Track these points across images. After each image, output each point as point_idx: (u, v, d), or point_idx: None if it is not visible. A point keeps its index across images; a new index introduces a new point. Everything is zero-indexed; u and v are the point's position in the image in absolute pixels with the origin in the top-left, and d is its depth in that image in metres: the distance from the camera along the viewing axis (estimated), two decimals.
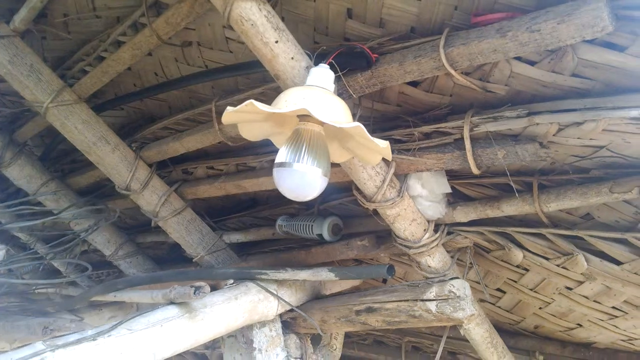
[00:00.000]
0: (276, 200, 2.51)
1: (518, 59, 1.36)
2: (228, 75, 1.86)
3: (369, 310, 1.95)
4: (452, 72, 1.33)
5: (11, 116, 2.95)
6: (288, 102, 1.32)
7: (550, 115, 1.33)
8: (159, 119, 2.38)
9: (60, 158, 3.08)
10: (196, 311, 1.88)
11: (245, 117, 1.43)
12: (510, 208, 1.67)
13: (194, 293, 1.71)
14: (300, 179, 1.36)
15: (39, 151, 3.11)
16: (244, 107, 1.27)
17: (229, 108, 1.30)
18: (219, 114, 1.99)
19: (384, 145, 1.30)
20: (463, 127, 1.50)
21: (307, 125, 1.39)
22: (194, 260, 2.61)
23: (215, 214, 2.76)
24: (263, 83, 1.87)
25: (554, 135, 1.40)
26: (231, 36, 1.79)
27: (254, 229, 2.54)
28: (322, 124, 1.40)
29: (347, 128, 1.28)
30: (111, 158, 2.31)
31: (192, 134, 2.14)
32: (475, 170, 1.54)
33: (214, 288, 2.14)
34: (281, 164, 1.37)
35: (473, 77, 1.45)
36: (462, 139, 1.52)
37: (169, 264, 3.18)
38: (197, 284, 1.73)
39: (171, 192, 2.47)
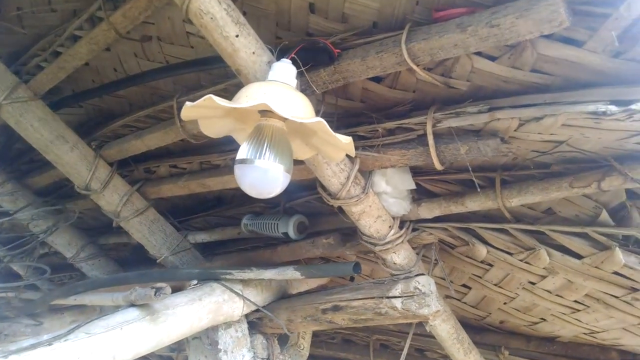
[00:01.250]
0: (241, 198, 2.48)
1: (479, 54, 1.36)
2: (189, 71, 1.82)
3: (335, 308, 1.93)
4: (414, 67, 1.32)
5: None
6: (249, 97, 1.29)
7: (511, 110, 1.34)
8: (119, 116, 2.31)
9: (17, 157, 2.97)
10: (158, 313, 1.83)
11: (205, 113, 1.39)
12: (474, 204, 1.67)
13: (155, 294, 1.67)
14: (262, 175, 1.34)
15: None
16: (202, 102, 1.24)
17: (187, 103, 1.27)
18: (181, 110, 1.94)
19: (346, 141, 1.28)
20: (426, 123, 1.50)
21: (269, 121, 1.36)
22: (158, 261, 2.55)
23: (180, 213, 2.70)
24: (225, 79, 1.84)
25: (515, 130, 1.41)
26: (191, 31, 1.75)
27: (219, 229, 2.49)
28: (284, 119, 1.38)
29: (309, 123, 1.26)
30: (69, 157, 2.23)
31: (153, 131, 2.09)
32: (438, 166, 1.54)
33: (179, 289, 2.10)
34: (242, 161, 1.34)
35: (435, 73, 1.45)
36: (425, 135, 1.52)
37: (133, 265, 3.10)
38: (158, 285, 1.69)
39: (133, 191, 2.40)
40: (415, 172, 1.79)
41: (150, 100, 2.17)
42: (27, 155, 2.94)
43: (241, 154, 1.36)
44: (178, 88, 2.02)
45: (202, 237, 2.55)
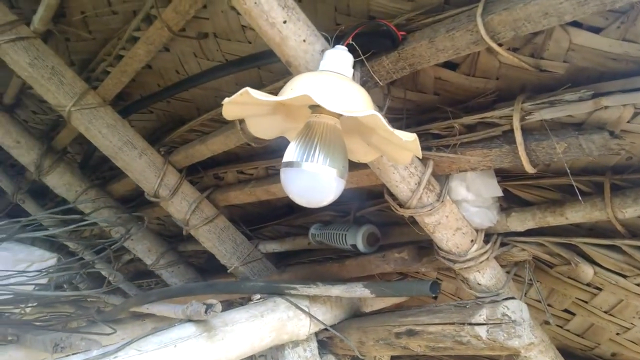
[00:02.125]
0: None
1: (577, 25, 1.08)
2: (245, 67, 1.67)
3: (410, 333, 1.69)
4: (494, 46, 1.07)
5: (51, 123, 2.93)
6: (294, 89, 1.11)
7: (623, 95, 1.04)
8: (188, 121, 2.23)
9: (99, 165, 3.03)
10: (215, 330, 1.69)
11: (249, 111, 1.24)
12: (576, 214, 1.36)
13: (205, 311, 1.53)
14: (311, 181, 1.15)
15: (79, 158, 3.08)
16: (238, 97, 1.08)
17: (225, 100, 1.11)
18: None
19: (408, 138, 1.05)
20: (512, 116, 1.23)
21: (320, 118, 1.18)
22: (228, 271, 2.45)
23: (252, 221, 2.59)
24: (287, 75, 1.67)
25: (628, 121, 1.10)
26: (247, 24, 1.61)
27: (290, 238, 2.34)
28: (337, 116, 1.18)
29: (362, 119, 1.06)
30: (138, 163, 2.19)
31: (216, 135, 1.97)
32: (529, 169, 1.26)
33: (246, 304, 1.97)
34: (289, 164, 1.17)
35: (523, 53, 1.18)
36: (511, 130, 1.25)
37: (210, 273, 3.05)
38: (209, 301, 1.55)
39: (202, 198, 2.32)
40: (503, 176, 1.52)
41: (215, 102, 2.07)
42: (108, 163, 2.98)
43: (288, 155, 1.18)
44: (239, 89, 1.88)
45: (273, 247, 2.41)
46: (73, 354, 1.47)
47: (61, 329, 2.21)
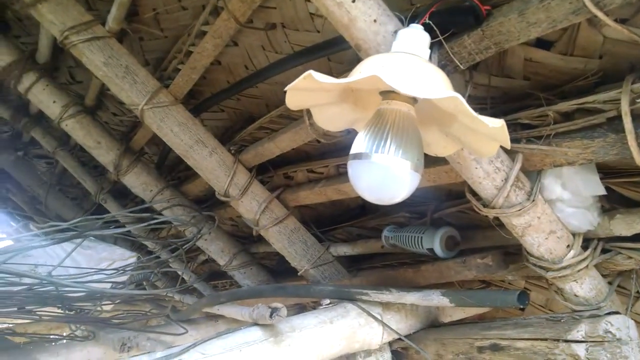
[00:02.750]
0: (386, 207, 2.17)
1: None
2: (314, 57, 1.58)
3: (495, 348, 1.52)
4: (599, 14, 0.90)
5: (130, 125, 3.00)
6: (362, 72, 1.00)
7: None
8: (257, 118, 2.18)
9: (175, 166, 3.05)
10: (282, 335, 1.61)
11: (313, 99, 1.14)
12: None
13: (270, 316, 1.45)
14: (382, 174, 1.03)
15: (156, 159, 3.13)
16: (301, 81, 0.98)
17: (287, 87, 1.02)
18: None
19: (495, 124, 0.91)
20: (620, 99, 1.04)
21: (392, 105, 1.06)
22: (299, 274, 2.37)
23: (325, 222, 2.49)
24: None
25: None
26: (315, 11, 1.52)
27: (362, 241, 2.22)
28: (412, 102, 1.06)
29: (438, 101, 0.93)
30: (208, 162, 2.16)
31: (284, 132, 1.90)
32: (639, 161, 1.07)
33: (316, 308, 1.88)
34: (357, 156, 1.06)
35: (633, 25, 1.00)
36: (618, 117, 1.07)
37: (282, 275, 2.99)
38: (274, 305, 1.47)
39: (272, 198, 2.26)
40: (605, 172, 1.32)
41: (283, 97, 1.99)
42: (183, 164, 3.01)
43: (356, 147, 1.07)
44: None
45: (344, 250, 2.30)
46: (139, 354, 1.43)
47: (135, 328, 2.22)
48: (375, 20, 1.11)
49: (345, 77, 1.49)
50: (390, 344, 1.91)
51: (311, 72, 0.94)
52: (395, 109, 1.05)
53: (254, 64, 1.88)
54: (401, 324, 1.85)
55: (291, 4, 1.53)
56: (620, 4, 0.88)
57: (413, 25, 1.08)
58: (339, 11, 1.11)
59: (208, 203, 2.99)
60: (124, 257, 3.92)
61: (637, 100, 1.02)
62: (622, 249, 1.36)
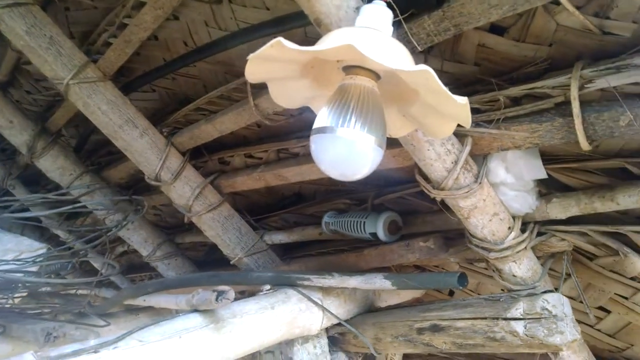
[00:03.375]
0: (324, 194, 2.17)
1: None
2: (262, 34, 1.53)
3: (435, 328, 1.56)
4: None
5: (45, 104, 2.78)
6: (333, 42, 0.98)
7: None
8: (193, 100, 2.09)
9: (96, 150, 2.87)
10: (223, 321, 1.56)
11: (275, 71, 1.10)
12: (630, 199, 1.24)
13: (216, 299, 1.39)
14: (347, 148, 1.02)
15: (74, 142, 2.93)
16: (268, 48, 0.93)
17: (250, 55, 0.97)
18: (255, 87, 1.67)
19: (462, 101, 0.93)
20: (569, 85, 1.10)
21: (356, 80, 1.04)
22: (231, 262, 2.31)
23: (258, 211, 2.44)
24: (305, 44, 1.54)
25: None
26: None
27: (299, 229, 2.20)
28: (375, 78, 1.06)
29: (410, 73, 0.92)
30: (139, 143, 2.05)
31: (225, 113, 1.83)
32: (585, 145, 1.13)
33: (250, 295, 1.83)
34: (320, 129, 1.03)
35: (586, 13, 1.05)
36: (566, 102, 1.13)
37: (209, 266, 2.90)
38: (220, 288, 1.41)
39: (206, 184, 2.18)
40: (543, 158, 1.39)
41: (225, 80, 1.93)
42: (105, 148, 2.84)
43: (319, 121, 1.05)
44: None
45: (279, 238, 2.27)
46: (71, 344, 1.32)
47: (56, 320, 2.05)
48: None
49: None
50: (327, 329, 1.92)
51: (280, 39, 0.91)
52: (359, 84, 1.04)
53: (194, 40, 1.80)
54: (340, 309, 1.86)
55: None
56: None
57: (376, 1, 1.08)
58: None
59: (130, 190, 2.85)
60: (32, 248, 3.63)
61: (586, 86, 1.08)
62: (556, 232, 1.45)
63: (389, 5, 1.10)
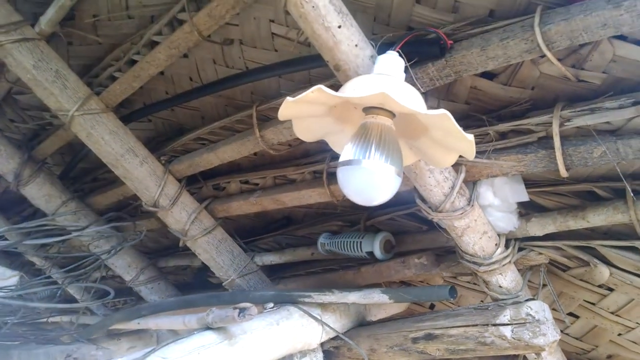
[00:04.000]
0: (313, 217, 2.32)
1: (623, 39, 1.18)
2: (272, 75, 1.69)
3: (429, 337, 1.73)
4: (549, 54, 1.15)
5: (31, 132, 2.81)
6: (357, 90, 1.15)
7: None
8: (189, 130, 2.21)
9: (81, 177, 2.92)
10: (235, 337, 1.67)
11: (304, 111, 1.25)
12: (598, 218, 1.46)
13: (239, 315, 1.51)
14: (370, 178, 1.18)
15: (59, 170, 2.96)
16: (309, 94, 1.09)
17: (288, 98, 1.12)
18: (260, 119, 1.82)
19: (470, 138, 1.11)
20: (550, 123, 1.31)
21: (377, 119, 1.21)
22: (224, 284, 2.41)
23: (246, 234, 2.56)
24: (308, 85, 1.71)
25: None
26: (278, 32, 1.64)
27: (290, 250, 2.34)
28: (392, 117, 1.23)
29: (431, 116, 1.10)
30: (139, 172, 2.14)
31: (228, 143, 1.97)
32: (563, 173, 1.34)
33: None
34: (347, 162, 1.19)
35: (565, 64, 1.27)
36: (547, 137, 1.34)
37: (192, 290, 2.97)
38: (242, 305, 1.53)
39: (201, 209, 2.29)
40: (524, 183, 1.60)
41: (225, 112, 2.06)
42: (90, 175, 2.89)
43: (346, 154, 1.21)
44: (256, 97, 1.91)
45: (270, 259, 2.40)
46: None
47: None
48: (356, 45, 1.27)
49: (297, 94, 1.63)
50: (322, 344, 2.05)
51: (321, 86, 1.07)
52: (379, 123, 1.21)
53: (201, 77, 1.94)
54: (336, 324, 2.00)
55: (255, 23, 1.63)
56: (565, 49, 1.14)
57: (390, 51, 1.26)
58: (325, 34, 1.24)
59: (116, 214, 2.90)
60: (3, 277, 3.58)
61: (565, 124, 1.29)
62: (534, 247, 1.66)
63: (399, 55, 1.29)
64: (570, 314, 1.89)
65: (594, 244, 1.55)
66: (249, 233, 2.60)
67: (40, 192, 2.67)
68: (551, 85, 1.35)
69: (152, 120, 2.34)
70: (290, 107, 1.19)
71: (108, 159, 2.11)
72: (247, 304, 1.54)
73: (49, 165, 2.94)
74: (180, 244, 2.35)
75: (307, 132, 1.35)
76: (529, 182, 1.62)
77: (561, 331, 1.94)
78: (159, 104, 2.09)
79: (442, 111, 1.06)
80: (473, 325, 1.63)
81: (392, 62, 1.23)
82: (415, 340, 1.78)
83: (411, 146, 1.33)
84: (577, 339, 1.98)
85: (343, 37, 1.25)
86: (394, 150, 1.21)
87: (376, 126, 1.21)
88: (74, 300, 3.48)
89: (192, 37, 1.65)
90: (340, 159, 1.21)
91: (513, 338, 1.54)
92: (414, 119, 1.22)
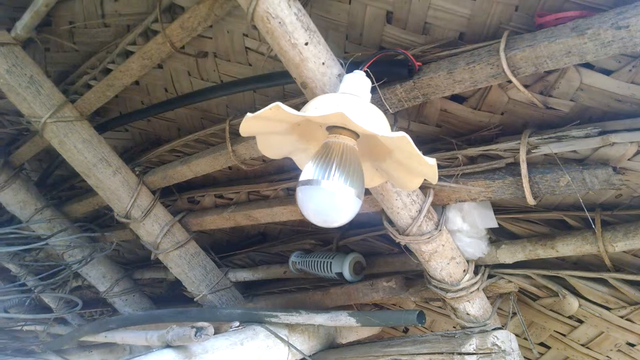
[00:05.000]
0: (288, 234, 2.29)
1: (589, 67, 1.17)
2: (245, 89, 1.67)
3: None
4: (514, 80, 1.13)
5: (8, 137, 2.78)
6: (318, 108, 1.13)
7: (630, 134, 1.13)
8: (166, 141, 2.18)
9: (58, 184, 2.88)
10: (196, 357, 1.62)
11: (266, 128, 1.23)
12: (567, 247, 1.43)
13: (195, 335, 1.46)
14: (329, 199, 1.15)
15: (36, 176, 2.92)
16: (267, 111, 1.07)
17: (248, 114, 1.10)
18: (233, 134, 1.80)
19: (432, 162, 1.09)
20: (518, 149, 1.29)
21: (339, 139, 1.19)
22: (195, 299, 2.36)
23: (221, 249, 2.53)
24: (283, 100, 1.68)
25: (629, 159, 1.19)
26: (251, 46, 1.62)
27: (264, 267, 2.30)
28: (355, 138, 1.20)
29: (390, 138, 1.08)
30: (112, 182, 2.11)
31: (201, 156, 1.94)
32: (530, 201, 1.32)
33: (217, 331, 1.90)
34: (307, 182, 1.16)
35: (533, 91, 1.25)
36: (515, 163, 1.31)
37: (167, 303, 2.93)
38: (199, 324, 1.49)
39: (175, 222, 2.25)
40: (493, 209, 1.57)
41: (201, 124, 2.04)
42: (68, 182, 2.85)
43: (306, 174, 1.18)
44: (231, 111, 1.88)
45: (244, 275, 2.36)
46: None
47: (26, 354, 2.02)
48: (323, 63, 1.25)
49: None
50: None
51: (279, 103, 1.04)
52: (341, 143, 1.18)
53: (176, 88, 1.91)
54: (304, 346, 1.95)
55: (229, 36, 1.62)
56: (530, 75, 1.12)
57: (357, 71, 1.23)
58: (292, 51, 1.22)
59: (91, 224, 2.86)
60: None
61: (532, 151, 1.27)
62: (504, 274, 1.62)
63: (367, 74, 1.26)
64: (542, 344, 1.85)
65: (564, 274, 1.52)
66: (224, 248, 2.56)
67: (15, 199, 2.63)
68: (520, 111, 1.33)
69: (129, 130, 2.31)
70: (250, 123, 1.16)
71: (80, 167, 2.08)
72: (205, 323, 1.49)
73: (27, 171, 2.90)
74: (152, 257, 2.31)
75: (270, 149, 1.32)
76: (500, 208, 1.59)
77: None
78: (134, 114, 2.06)
79: (401, 134, 1.04)
80: (439, 353, 1.59)
81: (359, 81, 1.21)
82: None
83: (377, 167, 1.30)
84: None
85: (310, 54, 1.23)
86: (356, 171, 1.18)
87: (338, 146, 1.18)
88: (49, 309, 3.42)
89: (164, 48, 1.63)
90: (300, 178, 1.19)
91: None
92: (378, 141, 1.20)
